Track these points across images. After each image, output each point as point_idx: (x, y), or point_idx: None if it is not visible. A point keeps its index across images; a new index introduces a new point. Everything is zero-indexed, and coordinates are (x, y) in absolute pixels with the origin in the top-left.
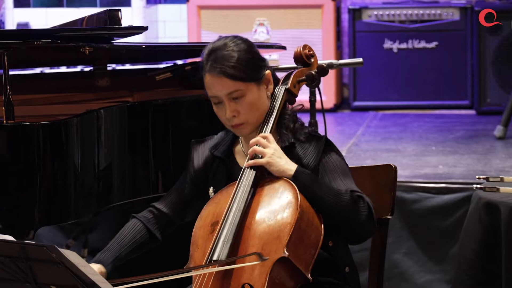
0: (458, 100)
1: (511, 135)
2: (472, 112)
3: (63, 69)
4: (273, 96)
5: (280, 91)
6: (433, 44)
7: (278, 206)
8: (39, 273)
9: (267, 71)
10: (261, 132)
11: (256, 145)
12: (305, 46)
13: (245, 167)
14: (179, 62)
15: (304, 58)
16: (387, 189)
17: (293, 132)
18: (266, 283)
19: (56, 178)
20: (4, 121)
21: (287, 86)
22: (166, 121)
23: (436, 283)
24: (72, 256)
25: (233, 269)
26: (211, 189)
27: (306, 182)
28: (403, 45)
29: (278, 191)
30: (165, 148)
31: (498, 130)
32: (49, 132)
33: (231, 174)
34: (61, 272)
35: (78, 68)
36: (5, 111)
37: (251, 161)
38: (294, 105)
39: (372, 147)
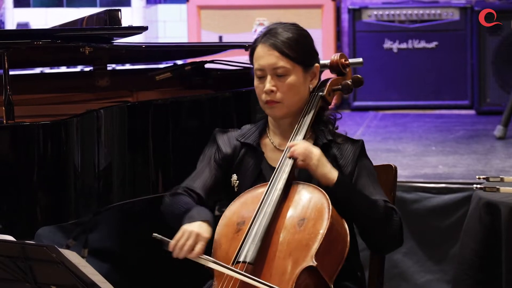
0: (458, 100)
1: (511, 135)
2: (472, 112)
3: (63, 69)
4: (309, 100)
5: (315, 97)
6: (433, 44)
7: (309, 214)
8: (39, 273)
9: (317, 64)
10: (297, 133)
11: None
12: (342, 55)
13: (278, 167)
14: (179, 62)
15: (340, 67)
16: (387, 189)
17: (331, 133)
18: None
19: (56, 178)
20: (4, 121)
21: (323, 94)
22: (166, 121)
23: (436, 283)
24: (72, 256)
25: (261, 272)
26: (234, 176)
27: (346, 191)
28: (403, 45)
29: (309, 198)
30: (165, 148)
31: (498, 130)
32: (49, 132)
33: (258, 165)
34: (61, 272)
35: (78, 68)
36: (5, 111)
37: (299, 159)
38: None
39: (372, 147)
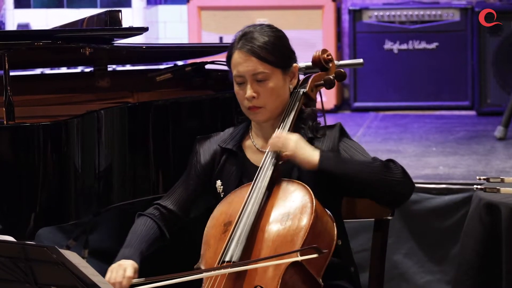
0: (459, 101)
1: None
2: (472, 113)
3: (63, 70)
4: (291, 98)
5: (298, 94)
6: (433, 45)
7: (293, 210)
8: (40, 273)
9: (295, 64)
10: (279, 130)
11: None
12: (324, 51)
13: (261, 166)
14: (180, 63)
15: (322, 62)
16: None
17: (311, 129)
18: (279, 286)
19: (56, 179)
20: (5, 121)
21: (305, 90)
22: (166, 122)
23: (437, 284)
24: (72, 256)
25: (246, 270)
26: (218, 182)
27: (335, 162)
28: (404, 46)
29: (293, 194)
30: (165, 148)
31: (499, 131)
32: (50, 133)
33: (240, 168)
34: (61, 272)
35: (79, 69)
36: (5, 111)
37: (277, 150)
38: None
39: (373, 148)
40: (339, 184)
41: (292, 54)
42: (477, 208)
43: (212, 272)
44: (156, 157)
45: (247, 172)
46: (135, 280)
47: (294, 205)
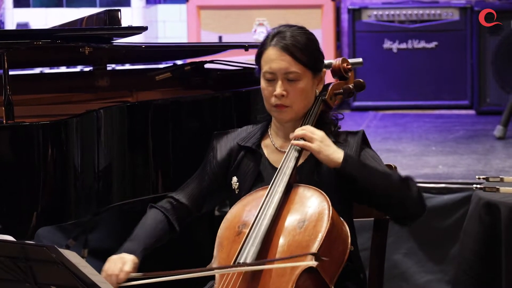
0: (458, 100)
1: (511, 135)
2: (471, 112)
3: (63, 69)
4: (310, 106)
5: (318, 101)
6: (432, 44)
7: (309, 215)
8: (39, 273)
9: (324, 69)
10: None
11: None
12: (343, 60)
13: (281, 165)
14: (179, 62)
15: (342, 72)
16: None
17: (333, 134)
18: None
19: (56, 178)
20: (4, 121)
21: (324, 98)
22: (166, 121)
23: (436, 283)
24: (72, 256)
25: (260, 274)
26: (234, 178)
27: (356, 167)
28: (403, 45)
29: (310, 200)
30: (165, 148)
31: (498, 130)
32: (49, 132)
33: (258, 166)
34: (61, 272)
35: (78, 68)
36: (5, 111)
37: (300, 142)
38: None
39: (372, 147)
40: (355, 189)
41: (323, 58)
42: (477, 208)
43: (216, 271)
44: (156, 156)
45: (265, 171)
46: (133, 274)
47: (310, 211)
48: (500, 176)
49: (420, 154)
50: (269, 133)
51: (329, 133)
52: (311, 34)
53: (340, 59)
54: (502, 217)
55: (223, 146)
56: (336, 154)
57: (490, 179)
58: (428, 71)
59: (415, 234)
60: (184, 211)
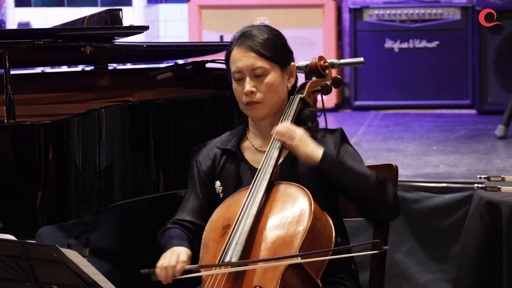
0: (459, 100)
1: None
2: (473, 111)
3: (64, 68)
4: (288, 103)
5: (295, 99)
6: (434, 44)
7: (291, 212)
8: (40, 272)
9: (292, 63)
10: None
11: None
12: (320, 58)
13: (261, 167)
14: (180, 61)
15: (319, 69)
16: None
17: (310, 130)
18: (278, 286)
19: (57, 178)
20: (5, 120)
21: (302, 96)
22: (167, 121)
23: (437, 283)
24: (73, 255)
25: (245, 271)
26: (217, 183)
27: (334, 165)
28: (404, 45)
29: (291, 197)
30: (166, 147)
31: (499, 130)
32: (50, 132)
33: (239, 168)
34: (62, 271)
35: (79, 68)
36: (6, 110)
37: (282, 138)
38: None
39: (373, 147)
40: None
41: (290, 53)
42: (478, 207)
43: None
44: (157, 156)
45: (246, 173)
46: (188, 266)
47: (293, 207)
48: (502, 176)
49: (421, 154)
50: (248, 135)
51: (306, 129)
52: (276, 30)
53: (317, 57)
54: (503, 217)
55: (206, 156)
56: (314, 152)
57: (492, 179)
58: (429, 70)
59: (416, 233)
60: (194, 228)
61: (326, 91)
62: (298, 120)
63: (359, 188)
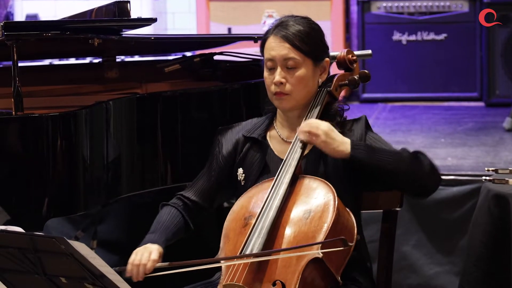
0: (467, 92)
1: None
2: (481, 104)
3: (72, 60)
4: (316, 95)
5: (323, 92)
6: (442, 36)
7: (314, 206)
8: (48, 264)
9: (327, 59)
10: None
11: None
12: (349, 51)
13: (287, 157)
14: (188, 54)
15: (347, 63)
16: None
17: (339, 125)
18: (298, 282)
19: (65, 170)
20: (13, 112)
21: (329, 89)
22: (175, 113)
23: (445, 275)
24: (81, 247)
25: (266, 264)
26: (240, 170)
27: (365, 152)
28: (412, 37)
29: (315, 191)
30: (174, 139)
31: (507, 122)
32: (58, 124)
33: (264, 157)
34: (70, 263)
35: (87, 60)
36: (14, 102)
37: (307, 138)
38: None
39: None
40: (367, 175)
41: (326, 48)
42: (486, 200)
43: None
44: (165, 148)
45: (271, 162)
46: (159, 264)
47: (316, 202)
48: (510, 168)
49: (429, 146)
50: (275, 124)
51: (335, 124)
52: (314, 23)
53: (345, 50)
54: (511, 209)
55: (229, 140)
56: (342, 146)
57: (499, 171)
58: (437, 63)
59: (424, 226)
60: (195, 208)
61: (353, 85)
62: (326, 115)
63: (394, 166)
